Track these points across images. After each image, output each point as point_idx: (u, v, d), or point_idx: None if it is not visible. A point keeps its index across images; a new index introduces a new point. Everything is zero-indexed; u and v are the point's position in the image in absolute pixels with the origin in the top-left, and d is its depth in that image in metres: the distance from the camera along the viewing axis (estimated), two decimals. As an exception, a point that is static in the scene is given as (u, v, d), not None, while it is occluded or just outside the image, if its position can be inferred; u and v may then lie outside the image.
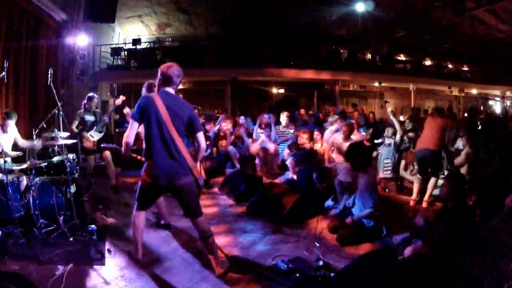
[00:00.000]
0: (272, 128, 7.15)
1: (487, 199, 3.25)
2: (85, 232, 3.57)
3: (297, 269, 2.95)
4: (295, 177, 5.83)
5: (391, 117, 5.73)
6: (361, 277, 2.58)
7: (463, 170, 4.95)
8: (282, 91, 17.52)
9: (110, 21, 11.12)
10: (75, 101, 8.68)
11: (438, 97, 21.14)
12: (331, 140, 5.55)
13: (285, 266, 3.04)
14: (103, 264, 3.13)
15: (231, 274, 3.04)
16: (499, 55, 17.94)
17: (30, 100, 7.30)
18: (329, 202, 4.79)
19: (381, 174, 5.71)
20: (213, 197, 5.55)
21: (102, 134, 5.51)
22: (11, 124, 4.56)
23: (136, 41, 14.62)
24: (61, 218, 3.64)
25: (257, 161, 6.84)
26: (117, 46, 14.34)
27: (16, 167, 3.78)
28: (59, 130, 4.04)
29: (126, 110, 4.74)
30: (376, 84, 17.31)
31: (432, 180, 4.85)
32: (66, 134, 4.16)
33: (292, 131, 7.30)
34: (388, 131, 5.74)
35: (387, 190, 5.70)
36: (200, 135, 2.94)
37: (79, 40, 8.60)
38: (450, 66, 19.13)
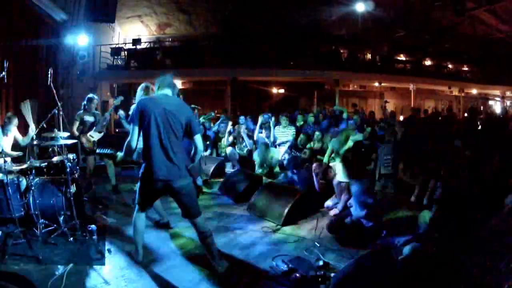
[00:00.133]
0: (272, 129, 7.12)
1: (487, 199, 3.25)
2: (85, 232, 3.57)
3: (297, 269, 2.95)
4: (295, 177, 5.83)
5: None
6: (361, 277, 2.58)
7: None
8: (282, 91, 17.53)
9: (110, 21, 11.14)
10: (75, 101, 8.68)
11: (438, 97, 21.16)
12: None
13: (285, 266, 3.04)
14: (103, 264, 3.13)
15: (231, 274, 3.04)
16: (499, 55, 17.94)
17: (30, 100, 7.29)
18: (329, 202, 4.79)
19: (382, 170, 5.71)
20: (213, 197, 5.55)
21: (102, 134, 5.51)
22: (12, 128, 4.58)
23: (136, 41, 14.62)
24: (61, 218, 3.64)
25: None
26: (117, 46, 14.35)
27: (16, 167, 3.77)
28: (59, 130, 4.03)
29: (121, 112, 4.72)
30: (376, 84, 17.32)
31: (432, 181, 4.85)
32: (66, 134, 4.16)
33: (292, 131, 7.30)
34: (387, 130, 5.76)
35: (388, 187, 5.68)
36: (198, 138, 2.93)
37: (79, 40, 8.60)
38: (450, 66, 19.14)
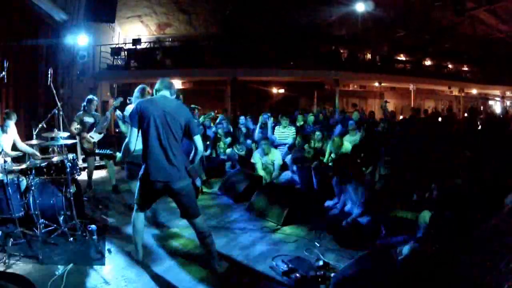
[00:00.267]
0: (269, 128, 7.07)
1: (486, 199, 3.25)
2: (85, 232, 3.58)
3: (297, 269, 2.95)
4: (294, 176, 5.82)
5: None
6: (361, 277, 2.58)
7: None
8: (282, 91, 17.54)
9: (110, 21, 11.14)
10: (75, 101, 8.69)
11: (438, 97, 21.16)
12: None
13: (285, 266, 3.04)
14: (103, 264, 3.13)
15: (231, 274, 3.04)
16: (499, 55, 17.95)
17: (30, 100, 7.31)
18: (328, 202, 4.79)
19: (382, 171, 5.69)
20: (213, 197, 5.55)
21: (102, 135, 5.51)
22: (11, 124, 4.57)
23: (136, 41, 14.62)
24: (61, 218, 3.65)
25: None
26: (117, 46, 14.35)
27: (16, 167, 3.78)
28: (59, 130, 4.04)
29: (118, 113, 4.72)
30: (376, 84, 17.32)
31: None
32: (66, 134, 4.16)
33: (292, 131, 7.29)
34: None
35: (387, 187, 5.67)
36: (198, 138, 2.94)
37: (79, 40, 8.60)
38: (450, 66, 19.14)
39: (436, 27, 16.78)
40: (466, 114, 14.97)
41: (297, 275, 2.90)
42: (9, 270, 2.93)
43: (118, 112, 4.60)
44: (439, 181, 3.54)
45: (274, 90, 17.53)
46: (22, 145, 4.69)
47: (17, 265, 3.04)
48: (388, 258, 2.85)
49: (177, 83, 14.81)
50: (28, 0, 7.07)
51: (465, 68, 19.84)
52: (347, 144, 6.03)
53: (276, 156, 6.16)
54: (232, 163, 7.18)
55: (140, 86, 4.12)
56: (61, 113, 4.25)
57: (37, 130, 4.78)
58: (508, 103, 22.24)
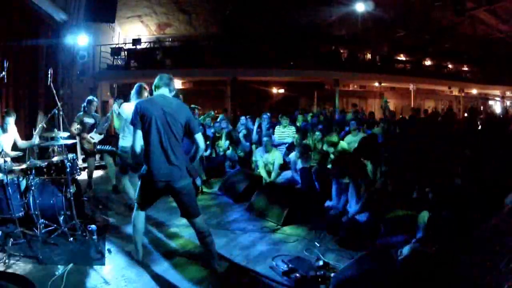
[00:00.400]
0: (264, 129, 7.11)
1: (486, 199, 3.25)
2: (85, 232, 3.58)
3: (297, 269, 2.95)
4: (295, 176, 5.81)
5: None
6: (361, 277, 2.58)
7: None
8: (282, 91, 17.54)
9: (110, 21, 11.12)
10: (75, 101, 8.68)
11: (438, 97, 21.16)
12: None
13: (285, 266, 3.04)
14: (103, 264, 3.13)
15: (231, 274, 3.04)
16: (499, 55, 17.95)
17: (30, 100, 7.30)
18: (328, 203, 4.78)
19: (382, 169, 5.69)
20: (213, 197, 5.55)
21: (102, 136, 5.52)
22: (11, 122, 4.57)
23: (136, 41, 14.62)
24: (61, 218, 3.64)
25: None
26: (117, 46, 14.35)
27: (16, 167, 3.78)
28: (59, 130, 4.03)
29: (114, 106, 4.71)
30: (376, 84, 17.32)
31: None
32: (66, 134, 4.16)
33: (292, 131, 7.29)
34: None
35: (388, 186, 5.66)
36: (199, 136, 2.94)
37: (79, 40, 8.59)
38: (450, 66, 19.14)
39: (436, 27, 16.79)
40: (466, 114, 14.99)
41: (297, 275, 2.90)
42: (9, 270, 2.92)
43: (115, 106, 4.60)
44: (434, 183, 3.54)
45: (274, 90, 17.53)
46: (22, 143, 4.69)
47: (17, 265, 3.04)
48: (388, 258, 2.84)
49: (177, 83, 14.81)
50: (28, 0, 7.06)
51: (465, 68, 19.84)
52: (343, 143, 6.04)
53: (277, 156, 6.16)
54: (231, 163, 7.19)
55: (137, 85, 4.12)
56: (61, 113, 4.24)
57: (37, 130, 4.78)
58: (508, 103, 22.25)
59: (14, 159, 4.28)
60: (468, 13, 14.41)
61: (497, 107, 22.16)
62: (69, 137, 4.24)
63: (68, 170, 3.64)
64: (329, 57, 15.12)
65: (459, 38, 17.47)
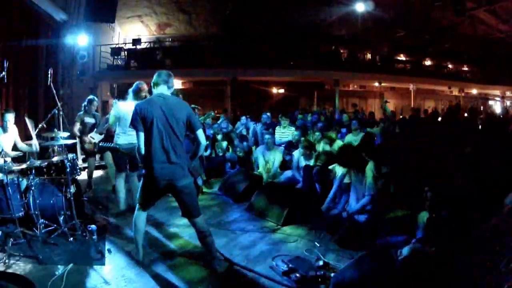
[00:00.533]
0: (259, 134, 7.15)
1: (486, 199, 3.25)
2: (85, 232, 3.58)
3: (297, 269, 2.95)
4: (296, 174, 5.80)
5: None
6: (361, 278, 2.58)
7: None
8: (282, 91, 17.53)
9: (110, 21, 11.12)
10: (75, 101, 8.68)
11: (438, 97, 21.16)
12: None
13: (285, 266, 3.04)
14: (103, 264, 3.13)
15: (231, 274, 3.04)
16: (499, 55, 17.94)
17: (30, 100, 7.30)
18: (329, 202, 4.78)
19: (383, 169, 5.69)
20: (213, 197, 5.55)
21: (103, 136, 5.51)
22: (10, 119, 4.56)
23: (136, 41, 14.63)
24: (61, 218, 3.64)
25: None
26: (117, 46, 14.36)
27: (16, 167, 3.78)
28: (59, 130, 4.04)
29: (111, 101, 4.75)
30: (376, 84, 17.33)
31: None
32: (66, 134, 4.17)
33: (292, 131, 7.29)
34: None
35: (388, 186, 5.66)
36: (200, 132, 2.95)
37: (79, 40, 8.59)
38: (450, 66, 19.14)
39: (436, 27, 16.79)
40: (466, 114, 14.96)
41: (297, 275, 2.90)
42: (9, 270, 2.92)
43: (112, 101, 4.62)
44: (433, 183, 3.54)
45: (274, 90, 17.53)
46: (22, 145, 4.69)
47: (17, 265, 3.03)
48: (388, 258, 2.84)
49: (177, 83, 14.81)
50: (28, 0, 7.06)
51: (465, 68, 19.85)
52: (340, 142, 6.05)
53: (277, 154, 6.20)
54: (231, 164, 7.19)
55: (135, 85, 4.14)
56: (61, 113, 4.24)
57: (37, 130, 4.78)
58: (508, 103, 22.24)
59: (14, 159, 4.28)
60: (468, 13, 14.41)
61: (497, 107, 22.15)
62: (69, 137, 4.24)
63: (68, 170, 3.64)
64: (329, 57, 15.12)
65: (459, 38, 17.47)
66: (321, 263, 3.12)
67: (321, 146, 6.01)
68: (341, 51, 15.89)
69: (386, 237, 3.70)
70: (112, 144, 4.27)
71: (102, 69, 13.31)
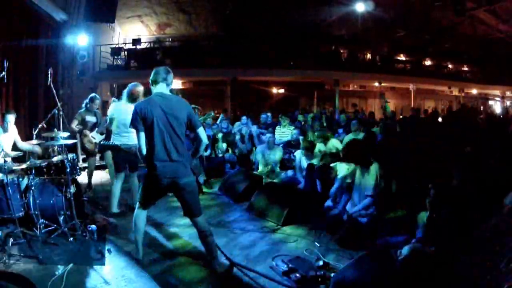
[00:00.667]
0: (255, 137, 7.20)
1: (486, 199, 3.25)
2: (85, 232, 3.57)
3: (297, 269, 2.96)
4: (298, 175, 5.80)
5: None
6: (361, 278, 2.58)
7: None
8: (282, 91, 17.53)
9: (110, 21, 11.12)
10: (75, 101, 8.67)
11: (438, 97, 21.16)
12: None
13: (285, 266, 3.04)
14: (103, 264, 3.13)
15: (231, 274, 3.04)
16: (499, 55, 17.95)
17: (30, 100, 7.29)
18: (329, 203, 4.78)
19: None
20: (213, 197, 5.55)
21: (103, 136, 5.51)
22: (11, 120, 4.57)
23: (136, 41, 14.63)
24: (61, 218, 3.64)
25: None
26: (117, 46, 14.35)
27: (16, 167, 3.78)
28: (59, 130, 4.03)
29: (111, 101, 4.75)
30: (376, 84, 17.32)
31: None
32: (66, 134, 4.16)
33: (292, 130, 7.30)
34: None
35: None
36: (201, 130, 2.96)
37: (79, 40, 8.59)
38: (450, 66, 19.15)
39: (436, 27, 16.79)
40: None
41: (297, 275, 2.91)
42: (9, 270, 2.92)
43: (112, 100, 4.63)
44: (436, 182, 3.54)
45: (274, 90, 17.53)
46: (22, 144, 4.69)
47: (17, 265, 3.03)
48: (388, 258, 2.84)
49: (177, 83, 14.82)
50: (28, 0, 7.05)
51: (465, 68, 19.85)
52: (334, 141, 6.06)
53: (277, 153, 6.26)
54: (231, 164, 7.19)
55: (129, 88, 4.16)
56: (61, 113, 4.23)
57: (37, 130, 4.78)
58: (508, 103, 22.24)
59: (14, 159, 4.28)
60: (468, 13, 14.41)
61: (497, 107, 22.15)
62: (69, 137, 4.24)
63: (68, 170, 3.64)
64: (329, 57, 15.12)
65: (459, 38, 17.47)
66: (321, 263, 3.12)
67: (317, 146, 6.03)
68: (341, 51, 15.89)
69: (386, 237, 3.70)
70: (113, 143, 4.27)
71: (102, 69, 13.30)
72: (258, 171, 6.47)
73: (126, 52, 14.22)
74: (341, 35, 17.22)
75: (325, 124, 8.98)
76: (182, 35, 17.02)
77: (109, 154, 5.26)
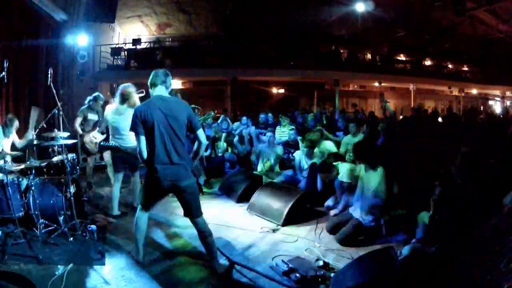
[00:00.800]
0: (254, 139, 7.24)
1: (487, 199, 3.25)
2: (85, 232, 3.58)
3: (297, 269, 2.96)
4: (298, 174, 5.80)
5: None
6: (361, 278, 2.58)
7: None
8: (282, 91, 17.54)
9: (110, 21, 11.12)
10: (75, 101, 8.67)
11: (438, 97, 21.17)
12: None
13: (285, 266, 3.04)
14: (103, 264, 3.13)
15: (231, 274, 3.04)
16: (499, 55, 17.95)
17: (30, 100, 7.29)
18: (329, 202, 4.79)
19: None
20: (213, 197, 5.55)
21: (104, 136, 5.51)
22: (13, 131, 4.62)
23: (136, 41, 14.63)
24: (61, 218, 3.64)
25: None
26: (117, 46, 14.35)
27: (16, 167, 3.78)
28: (59, 130, 4.03)
29: (111, 101, 4.76)
30: (376, 84, 17.33)
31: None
32: (66, 134, 4.16)
33: (291, 130, 7.30)
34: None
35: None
36: (200, 132, 2.96)
37: (79, 40, 8.59)
38: (450, 66, 19.15)
39: (436, 27, 16.79)
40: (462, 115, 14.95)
41: (297, 275, 2.90)
42: (9, 270, 2.92)
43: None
44: (442, 180, 3.53)
45: (274, 90, 17.53)
46: (20, 142, 4.71)
47: (17, 265, 3.03)
48: (388, 258, 2.84)
49: (177, 83, 14.82)
50: (28, 0, 7.05)
51: (465, 68, 19.85)
52: (329, 143, 6.06)
53: (277, 152, 6.31)
54: (231, 164, 7.20)
55: (120, 90, 4.17)
56: (61, 113, 4.23)
57: (37, 130, 4.78)
58: (508, 103, 22.25)
59: (14, 159, 4.28)
60: (468, 13, 14.41)
61: (497, 107, 22.16)
62: (69, 137, 4.24)
63: (68, 170, 3.64)
64: (329, 57, 15.13)
65: (459, 38, 17.48)
66: (321, 263, 3.12)
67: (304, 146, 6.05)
68: (341, 51, 15.89)
69: (386, 237, 3.71)
70: (113, 143, 4.27)
71: (102, 69, 13.30)
72: (258, 170, 6.47)
73: (126, 52, 14.22)
74: (341, 35, 17.22)
75: (325, 122, 8.99)
76: (182, 35, 17.02)
77: (109, 154, 5.26)
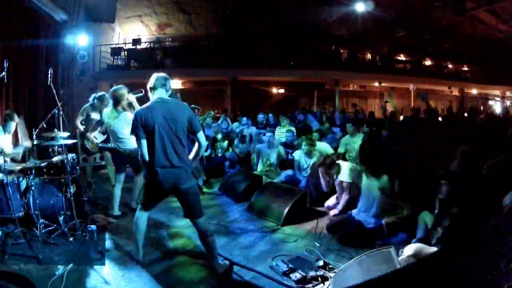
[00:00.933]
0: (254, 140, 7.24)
1: (487, 199, 3.25)
2: (85, 232, 3.58)
3: (297, 269, 2.96)
4: (298, 174, 5.79)
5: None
6: (361, 278, 2.58)
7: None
8: (282, 91, 17.53)
9: (110, 21, 11.14)
10: (75, 101, 8.67)
11: (438, 97, 21.16)
12: None
13: (285, 266, 3.04)
14: (103, 264, 3.13)
15: (231, 274, 3.04)
16: (499, 55, 17.95)
17: (30, 100, 7.29)
18: (329, 202, 4.79)
19: None
20: (213, 197, 5.55)
21: (105, 136, 5.51)
22: (13, 125, 4.59)
23: (136, 41, 14.62)
24: (61, 218, 3.65)
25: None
26: (117, 46, 14.33)
27: (16, 167, 3.77)
28: (59, 130, 4.03)
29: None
30: (376, 84, 17.32)
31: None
32: (66, 134, 4.16)
33: (288, 132, 7.30)
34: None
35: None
36: (200, 134, 2.96)
37: (79, 40, 8.59)
38: (450, 66, 19.14)
39: (436, 27, 16.79)
40: (466, 114, 14.95)
41: (297, 275, 2.91)
42: (9, 270, 2.92)
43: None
44: (449, 180, 3.53)
45: (274, 90, 17.53)
46: (14, 150, 4.69)
47: (17, 265, 3.03)
48: (388, 258, 2.84)
49: (177, 83, 14.81)
50: (28, 0, 7.05)
51: (465, 68, 19.85)
52: (324, 145, 6.07)
53: (277, 151, 6.32)
54: (231, 164, 7.20)
55: (111, 94, 4.17)
56: (61, 113, 4.23)
57: (37, 130, 4.77)
58: (508, 103, 22.24)
59: (14, 159, 4.28)
60: (468, 13, 14.43)
61: (497, 107, 22.16)
62: (69, 137, 4.24)
63: (68, 170, 3.64)
64: (329, 57, 15.12)
65: (459, 38, 17.48)
66: (321, 263, 3.12)
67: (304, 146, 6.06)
68: (341, 51, 15.88)
69: (387, 237, 3.71)
70: (112, 145, 4.28)
71: (102, 69, 13.29)
72: (258, 170, 6.47)
73: (126, 52, 14.20)
74: (341, 35, 17.22)
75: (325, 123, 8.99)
76: (182, 35, 17.01)
77: (109, 154, 5.26)
